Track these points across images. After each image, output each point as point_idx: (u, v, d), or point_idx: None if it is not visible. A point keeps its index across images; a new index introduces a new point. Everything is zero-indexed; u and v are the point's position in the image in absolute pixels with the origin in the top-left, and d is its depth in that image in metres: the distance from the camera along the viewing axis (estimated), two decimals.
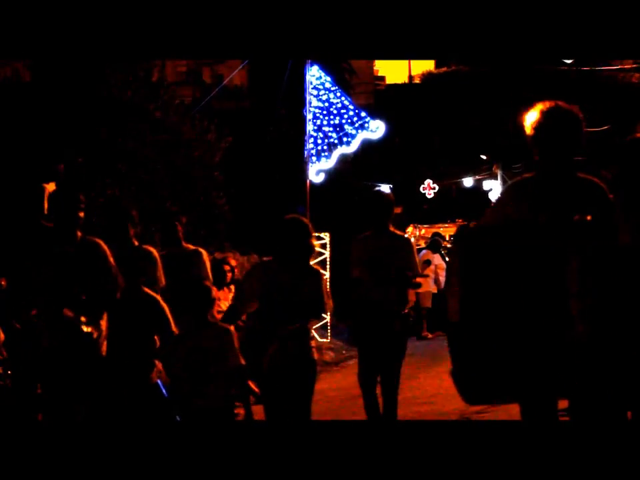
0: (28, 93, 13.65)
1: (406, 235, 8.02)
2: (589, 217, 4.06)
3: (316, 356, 6.34)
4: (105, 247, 6.27)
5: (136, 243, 7.45)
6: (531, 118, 4.48)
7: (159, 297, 6.88)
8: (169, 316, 6.86)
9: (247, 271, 7.33)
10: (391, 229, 7.68)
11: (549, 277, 3.95)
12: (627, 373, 4.02)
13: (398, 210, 32.81)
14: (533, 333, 3.95)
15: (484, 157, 30.77)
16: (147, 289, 6.83)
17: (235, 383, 6.30)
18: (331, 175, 17.26)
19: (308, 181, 16.18)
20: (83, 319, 6.02)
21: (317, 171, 16.15)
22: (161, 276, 7.52)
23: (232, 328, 6.41)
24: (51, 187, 7.98)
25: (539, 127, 4.46)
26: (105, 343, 6.26)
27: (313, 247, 6.34)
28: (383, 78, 42.53)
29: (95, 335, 6.09)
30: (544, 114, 4.46)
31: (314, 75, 16.01)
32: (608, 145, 5.57)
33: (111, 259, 6.27)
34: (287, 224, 6.36)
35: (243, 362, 6.25)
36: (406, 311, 7.52)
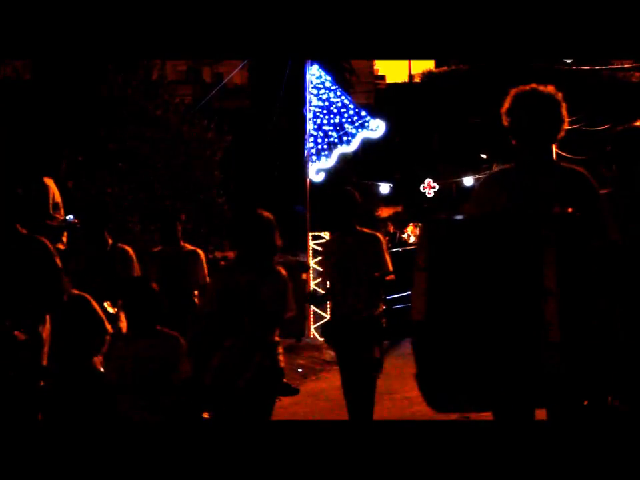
0: (28, 91, 13.67)
1: (376, 233, 7.59)
2: (570, 209, 3.76)
3: (282, 364, 5.76)
4: (51, 247, 5.74)
5: (110, 241, 7.36)
6: (506, 104, 4.24)
7: (88, 296, 6.49)
8: (102, 314, 6.49)
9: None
10: (358, 227, 7.27)
11: (524, 274, 3.67)
12: (601, 376, 3.83)
13: (398, 209, 32.70)
14: (506, 336, 3.67)
15: (484, 156, 30.78)
16: (75, 290, 6.42)
17: (186, 394, 5.70)
18: (331, 174, 17.27)
19: (308, 180, 16.18)
20: (18, 334, 5.57)
21: (317, 170, 16.15)
22: (137, 275, 7.42)
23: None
24: (50, 182, 7.90)
25: (512, 112, 4.21)
26: (47, 349, 5.78)
27: (276, 244, 5.80)
28: (383, 77, 42.60)
29: (32, 342, 5.54)
30: (517, 98, 4.21)
31: (314, 74, 16.01)
32: (608, 144, 5.43)
33: (58, 260, 5.75)
34: (246, 219, 5.85)
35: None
36: (378, 310, 7.25)
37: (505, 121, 4.24)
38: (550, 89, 4.21)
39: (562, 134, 4.21)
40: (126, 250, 7.41)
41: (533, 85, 4.21)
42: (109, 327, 6.51)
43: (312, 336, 15.34)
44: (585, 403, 4.18)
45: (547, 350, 3.61)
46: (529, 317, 3.64)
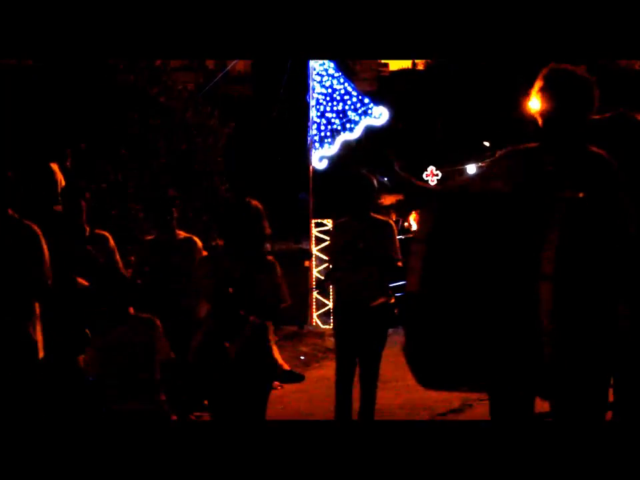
0: (30, 77, 13.62)
1: (389, 220, 7.53)
2: (581, 194, 3.65)
3: (276, 355, 5.66)
4: (39, 233, 5.65)
5: (87, 228, 7.34)
6: (537, 83, 4.09)
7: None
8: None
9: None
10: (372, 214, 7.25)
11: (523, 255, 3.55)
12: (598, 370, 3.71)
13: (401, 196, 32.72)
14: (499, 315, 3.56)
15: (487, 144, 30.73)
16: (80, 280, 6.34)
17: (167, 379, 5.64)
18: (334, 161, 17.26)
19: (311, 167, 16.17)
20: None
21: (319, 157, 16.13)
22: (117, 261, 7.38)
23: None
24: (56, 168, 7.92)
25: (544, 90, 4.06)
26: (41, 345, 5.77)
27: (265, 233, 5.67)
28: (386, 64, 42.49)
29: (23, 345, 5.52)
30: (550, 77, 4.06)
31: (317, 61, 15.98)
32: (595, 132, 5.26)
33: (45, 247, 5.66)
34: (234, 208, 5.71)
35: (172, 355, 5.68)
36: (391, 300, 7.10)
37: (534, 100, 4.11)
38: (582, 70, 4.09)
39: (590, 117, 4.10)
40: (106, 237, 7.38)
41: (566, 65, 4.09)
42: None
43: (314, 323, 15.36)
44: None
45: (539, 334, 3.50)
46: (523, 298, 3.52)
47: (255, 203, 5.69)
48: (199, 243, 7.75)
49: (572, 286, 3.54)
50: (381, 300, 6.98)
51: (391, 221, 7.42)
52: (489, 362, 3.65)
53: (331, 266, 7.69)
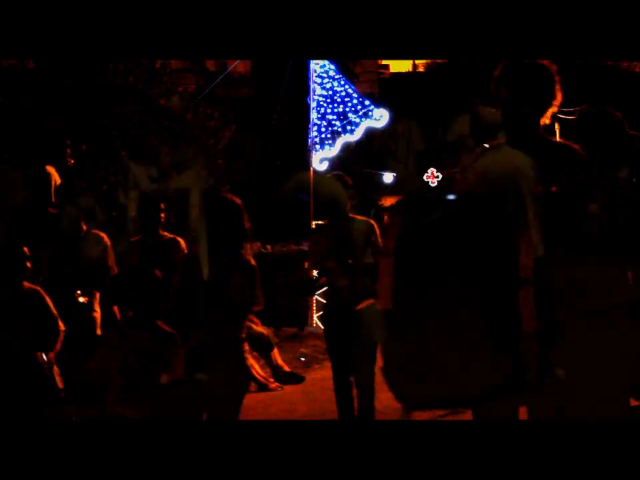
0: (31, 79, 13.64)
1: (370, 220, 7.37)
2: (553, 188, 3.57)
3: (249, 363, 5.46)
4: None
5: (84, 228, 7.34)
6: (495, 73, 4.01)
7: (40, 290, 6.30)
8: (53, 310, 6.26)
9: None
10: (351, 214, 7.10)
11: (497, 261, 3.41)
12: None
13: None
14: (477, 329, 3.40)
15: (486, 146, 30.70)
16: (27, 283, 6.28)
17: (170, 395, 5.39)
18: (335, 163, 17.27)
19: (311, 169, 16.17)
20: None
21: (320, 159, 16.13)
22: (111, 263, 7.36)
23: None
24: (51, 169, 7.92)
25: (500, 81, 3.98)
26: None
27: (245, 230, 5.41)
28: (386, 66, 42.51)
29: None
30: (506, 68, 3.98)
31: (318, 62, 15.98)
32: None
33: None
34: (211, 203, 5.45)
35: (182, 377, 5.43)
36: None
37: (493, 91, 4.04)
38: (545, 61, 3.98)
39: (553, 109, 3.99)
40: (100, 236, 7.39)
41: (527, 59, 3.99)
42: (61, 324, 6.33)
43: (315, 325, 15.34)
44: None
45: (523, 341, 3.36)
46: (502, 306, 3.38)
47: (232, 197, 5.46)
48: (183, 243, 7.73)
49: (550, 289, 3.40)
50: (369, 302, 6.88)
51: (372, 220, 7.26)
52: (469, 380, 3.51)
53: (315, 272, 7.58)
